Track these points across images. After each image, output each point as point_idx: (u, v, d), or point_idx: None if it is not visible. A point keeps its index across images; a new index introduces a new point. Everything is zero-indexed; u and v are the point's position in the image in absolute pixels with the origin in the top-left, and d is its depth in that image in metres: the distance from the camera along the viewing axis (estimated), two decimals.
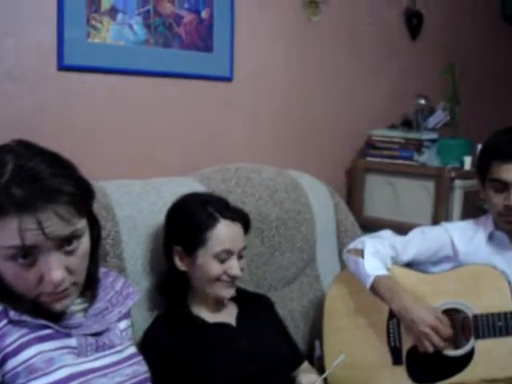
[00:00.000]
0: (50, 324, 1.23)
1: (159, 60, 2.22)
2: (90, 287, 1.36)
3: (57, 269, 1.17)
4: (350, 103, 2.96)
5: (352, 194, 2.93)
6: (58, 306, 1.23)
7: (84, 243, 1.23)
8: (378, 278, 1.88)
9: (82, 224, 1.21)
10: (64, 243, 1.18)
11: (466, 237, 2.01)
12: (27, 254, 1.15)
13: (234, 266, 1.71)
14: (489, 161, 1.91)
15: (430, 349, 1.80)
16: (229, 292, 1.75)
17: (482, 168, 1.95)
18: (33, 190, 1.13)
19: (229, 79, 2.45)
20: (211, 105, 2.43)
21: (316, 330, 2.15)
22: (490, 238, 1.98)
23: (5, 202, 1.12)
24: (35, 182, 1.14)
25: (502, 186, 1.88)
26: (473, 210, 2.47)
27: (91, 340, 1.28)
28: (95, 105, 2.10)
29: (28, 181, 1.14)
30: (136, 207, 1.88)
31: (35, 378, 1.18)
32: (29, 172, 1.14)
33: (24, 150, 1.19)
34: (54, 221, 1.14)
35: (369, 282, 1.89)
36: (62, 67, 2.01)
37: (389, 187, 2.80)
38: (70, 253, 1.20)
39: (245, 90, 2.52)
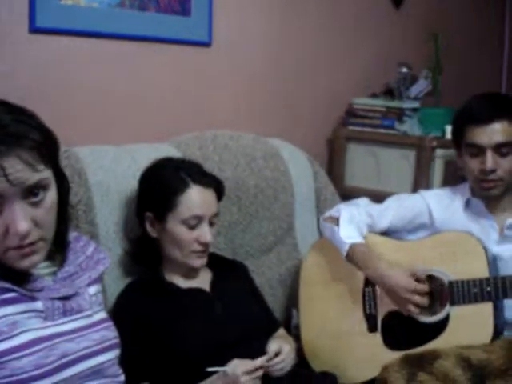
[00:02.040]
0: (14, 287, 1.20)
1: (134, 23, 2.16)
2: (59, 250, 1.33)
3: (22, 219, 1.14)
4: (331, 71, 2.92)
5: (333, 163, 2.91)
6: (25, 263, 1.19)
7: (50, 196, 1.20)
8: (353, 246, 1.87)
9: (47, 174, 1.18)
10: (29, 194, 1.15)
11: (442, 204, 2.01)
12: None
13: (204, 232, 1.69)
14: (463, 125, 1.91)
15: (414, 310, 1.80)
16: (200, 262, 1.73)
17: (457, 134, 1.95)
18: None
19: (207, 44, 2.40)
20: (189, 70, 2.38)
21: (293, 299, 2.14)
22: (467, 205, 1.98)
23: None
24: None
25: (478, 150, 1.87)
26: (453, 179, 2.45)
27: (58, 304, 1.26)
28: (68, 69, 2.06)
29: None
30: (109, 173, 1.85)
31: None
32: None
33: None
34: (19, 167, 1.12)
35: (344, 250, 1.88)
36: (34, 30, 1.96)
37: (370, 156, 2.78)
38: (35, 204, 1.17)
39: (224, 56, 2.48)
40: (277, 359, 1.61)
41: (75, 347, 1.25)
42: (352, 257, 1.88)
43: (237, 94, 2.57)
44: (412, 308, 1.80)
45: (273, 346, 1.64)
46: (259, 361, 1.58)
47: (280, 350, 1.64)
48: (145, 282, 1.73)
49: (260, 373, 1.57)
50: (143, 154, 1.94)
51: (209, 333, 1.65)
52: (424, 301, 1.80)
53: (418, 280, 1.81)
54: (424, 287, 1.80)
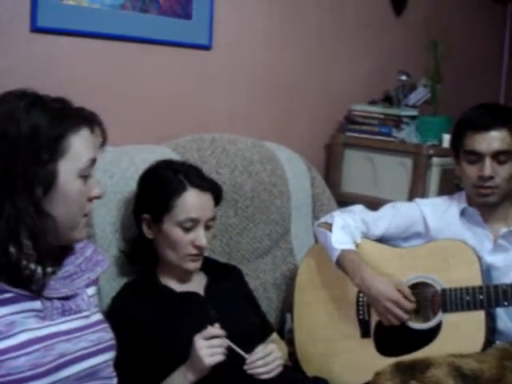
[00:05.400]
0: (10, 288, 1.20)
1: (136, 25, 2.17)
2: (59, 250, 1.35)
3: None
4: (330, 77, 2.93)
5: (330, 169, 2.92)
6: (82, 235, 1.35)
7: None
8: (343, 252, 1.89)
9: None
10: None
11: (438, 213, 2.02)
12: None
13: (200, 236, 1.69)
14: (462, 133, 1.92)
15: (395, 322, 1.81)
16: (194, 265, 1.74)
17: (456, 141, 1.96)
18: None
19: (207, 47, 2.41)
20: (188, 73, 2.39)
21: (287, 303, 2.15)
22: (463, 213, 1.98)
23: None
24: None
25: (476, 158, 1.89)
26: (450, 187, 2.46)
27: (57, 304, 1.28)
28: (68, 69, 2.06)
29: None
30: (107, 174, 1.86)
31: None
32: None
33: None
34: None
35: (334, 256, 1.90)
36: (35, 29, 1.96)
37: (367, 163, 2.79)
38: None
39: (224, 59, 2.49)
40: (257, 355, 1.61)
41: (72, 348, 1.26)
42: (341, 263, 1.89)
43: (236, 97, 2.58)
44: (392, 319, 1.81)
45: (259, 347, 1.65)
46: (216, 326, 1.58)
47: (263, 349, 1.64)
48: (140, 285, 1.73)
49: (219, 342, 1.55)
50: (141, 156, 1.95)
51: None
52: (404, 315, 1.80)
53: (403, 294, 1.82)
54: (406, 302, 1.80)
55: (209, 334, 1.55)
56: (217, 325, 1.59)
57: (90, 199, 1.33)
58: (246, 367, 1.61)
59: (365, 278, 1.84)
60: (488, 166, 1.86)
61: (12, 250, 1.19)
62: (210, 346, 1.54)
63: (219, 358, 1.54)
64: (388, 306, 1.80)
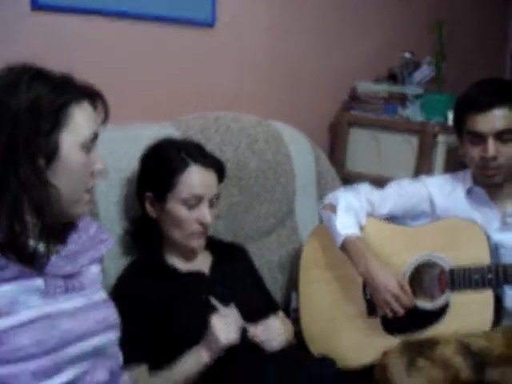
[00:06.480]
0: (15, 266, 1.19)
1: (137, 2, 2.14)
2: (63, 228, 1.33)
3: None
4: (335, 55, 2.91)
5: (335, 148, 2.90)
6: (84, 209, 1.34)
7: None
8: (347, 238, 1.86)
9: None
10: None
11: (444, 192, 1.99)
12: None
13: (204, 213, 1.68)
14: (464, 113, 1.88)
15: (389, 315, 1.80)
16: (199, 243, 1.72)
17: (459, 121, 1.92)
18: None
19: (210, 25, 2.38)
20: (192, 51, 2.36)
21: (293, 282, 2.14)
22: (469, 193, 1.95)
23: None
24: None
25: (479, 139, 1.85)
26: (455, 165, 2.44)
27: (60, 282, 1.26)
28: (70, 47, 2.03)
29: None
30: (109, 151, 1.82)
31: None
32: None
33: None
34: None
35: (339, 241, 1.88)
36: (36, 7, 1.93)
37: (372, 141, 2.77)
38: None
39: (227, 37, 2.46)
40: (259, 326, 1.63)
41: (77, 326, 1.25)
42: (346, 249, 1.87)
43: (239, 75, 2.55)
44: (388, 311, 1.80)
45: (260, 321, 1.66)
46: (232, 306, 1.60)
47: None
48: (145, 264, 1.72)
49: (234, 321, 1.58)
50: (144, 134, 1.92)
51: (208, 316, 1.63)
52: (400, 310, 1.78)
53: (402, 289, 1.80)
54: (405, 298, 1.78)
55: (225, 314, 1.57)
56: (232, 304, 1.60)
57: (93, 174, 1.31)
58: (249, 336, 1.62)
59: (369, 267, 1.82)
60: (491, 147, 1.82)
61: (16, 226, 1.18)
62: (226, 325, 1.56)
63: (234, 336, 1.56)
64: (387, 298, 1.78)
